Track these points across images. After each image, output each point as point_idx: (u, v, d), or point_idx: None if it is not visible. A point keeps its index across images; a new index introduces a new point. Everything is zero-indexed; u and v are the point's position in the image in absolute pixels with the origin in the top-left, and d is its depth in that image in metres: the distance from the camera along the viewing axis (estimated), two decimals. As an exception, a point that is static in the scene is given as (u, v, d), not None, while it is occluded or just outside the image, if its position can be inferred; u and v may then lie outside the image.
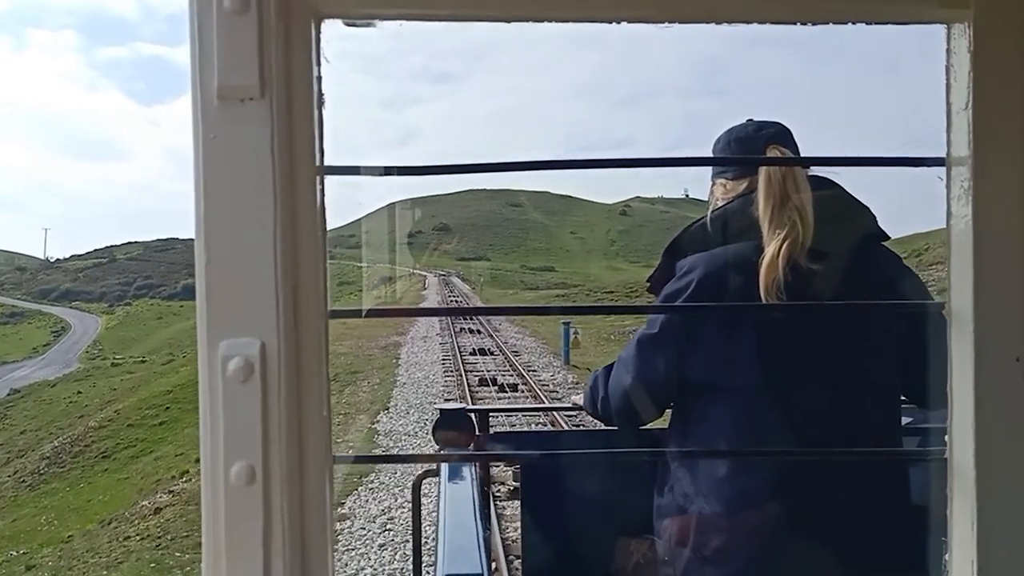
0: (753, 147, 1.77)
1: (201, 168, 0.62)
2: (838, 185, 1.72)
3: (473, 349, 22.91)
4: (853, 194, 1.74)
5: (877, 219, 1.75)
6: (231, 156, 0.61)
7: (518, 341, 25.70)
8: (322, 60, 0.64)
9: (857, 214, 1.74)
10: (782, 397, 1.66)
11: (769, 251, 1.61)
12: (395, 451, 11.30)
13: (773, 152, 1.76)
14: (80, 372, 56.26)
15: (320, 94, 0.64)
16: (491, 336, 26.72)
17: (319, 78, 0.64)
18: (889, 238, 1.76)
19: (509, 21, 0.66)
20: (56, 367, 64.42)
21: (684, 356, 1.71)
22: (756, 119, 1.84)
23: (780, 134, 1.79)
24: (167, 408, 26.90)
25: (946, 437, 0.67)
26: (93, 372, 53.97)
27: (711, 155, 1.90)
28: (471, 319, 31.43)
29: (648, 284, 1.86)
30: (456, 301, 52.49)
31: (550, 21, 0.65)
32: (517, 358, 20.57)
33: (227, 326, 0.62)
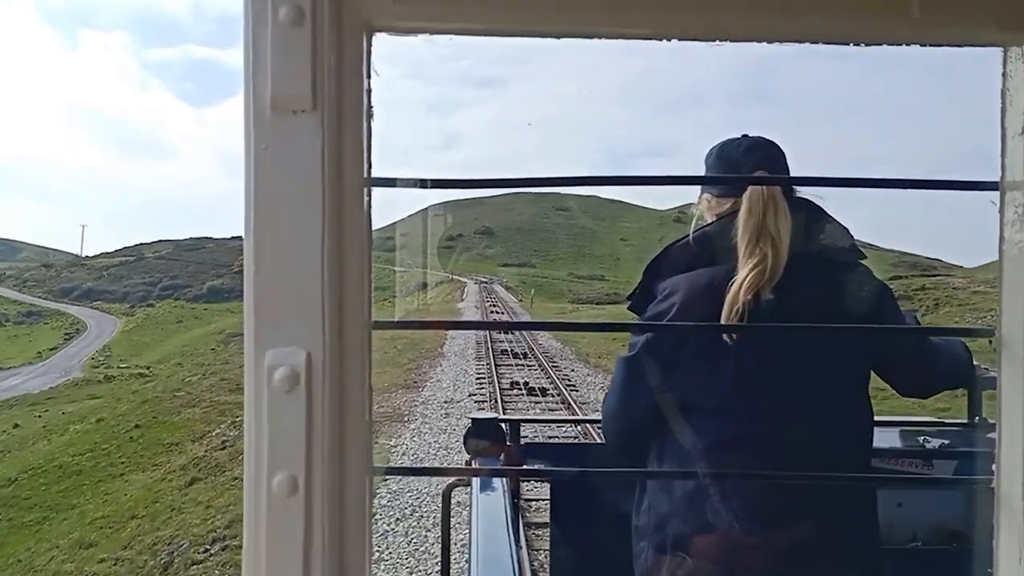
0: (739, 168, 1.85)
1: (252, 177, 0.65)
2: (819, 208, 1.82)
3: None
4: (834, 216, 1.84)
5: (854, 238, 1.84)
6: (281, 166, 0.65)
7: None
8: (372, 73, 0.69)
9: (835, 238, 1.83)
10: (756, 420, 1.74)
11: (736, 281, 1.71)
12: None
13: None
14: (56, 390, 51.46)
15: (370, 106, 0.68)
16: (568, 402, 15.08)
17: (369, 90, 0.68)
18: (865, 257, 1.85)
19: (559, 37, 0.70)
20: (54, 375, 62.78)
21: (663, 377, 1.79)
22: (750, 136, 1.91)
23: (768, 159, 1.87)
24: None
25: (993, 466, 0.70)
26: (57, 395, 48.14)
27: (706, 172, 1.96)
28: (522, 358, 22.14)
29: (628, 302, 1.94)
30: (498, 315, 45.51)
31: (600, 38, 0.70)
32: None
33: (274, 336, 0.65)
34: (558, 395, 16.27)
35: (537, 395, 16.43)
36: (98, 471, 20.04)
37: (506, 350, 24.35)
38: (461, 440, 2.59)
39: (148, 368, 60.27)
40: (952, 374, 1.96)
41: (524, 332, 28.06)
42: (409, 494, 9.97)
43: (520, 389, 17.07)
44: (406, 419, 14.56)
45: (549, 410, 14.73)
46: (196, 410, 22.36)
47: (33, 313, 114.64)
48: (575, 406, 14.67)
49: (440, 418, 14.59)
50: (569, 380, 18.39)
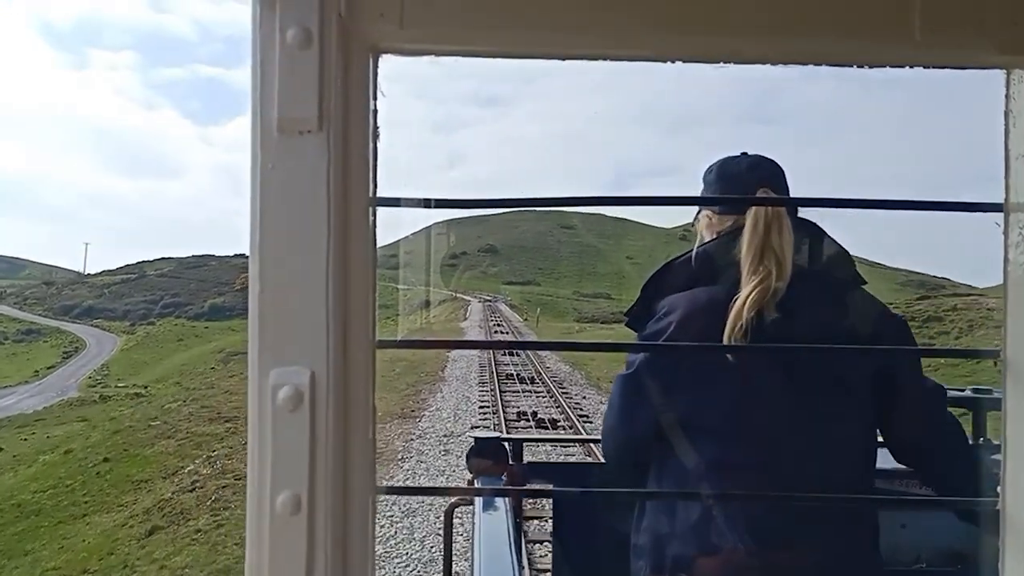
0: (742, 185, 1.87)
1: (258, 198, 0.66)
2: (820, 229, 1.83)
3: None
4: (835, 238, 1.84)
5: (855, 264, 1.84)
6: (287, 187, 0.66)
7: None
8: (378, 94, 0.70)
9: (836, 260, 1.84)
10: (757, 440, 1.73)
11: (740, 298, 1.71)
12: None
13: (763, 194, 1.85)
14: (49, 411, 49.01)
15: (375, 127, 0.69)
16: (583, 437, 12.75)
17: (375, 111, 0.69)
18: (866, 282, 1.84)
19: (564, 59, 0.71)
20: (49, 395, 61.72)
21: (661, 396, 1.79)
22: (749, 153, 1.92)
23: (771, 176, 1.88)
24: None
25: (998, 487, 0.70)
26: (48, 416, 45.13)
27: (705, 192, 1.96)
28: (529, 383, 19.96)
29: (626, 319, 1.94)
30: (503, 335, 42.75)
31: (605, 60, 0.71)
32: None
33: (278, 355, 0.66)
34: (571, 427, 14.65)
35: (547, 427, 14.66)
36: (59, 511, 18.44)
37: (512, 374, 22.55)
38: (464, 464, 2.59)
39: (146, 388, 59.24)
40: (955, 452, 1.90)
41: (531, 354, 26.62)
42: (396, 559, 8.77)
43: (528, 420, 15.19)
44: (400, 457, 12.84)
45: (561, 445, 12.92)
46: (171, 442, 20.81)
47: (33, 331, 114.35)
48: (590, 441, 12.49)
49: (439, 456, 13.00)
50: (581, 409, 16.59)
